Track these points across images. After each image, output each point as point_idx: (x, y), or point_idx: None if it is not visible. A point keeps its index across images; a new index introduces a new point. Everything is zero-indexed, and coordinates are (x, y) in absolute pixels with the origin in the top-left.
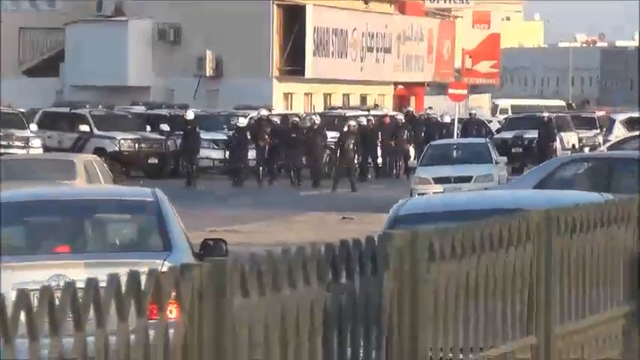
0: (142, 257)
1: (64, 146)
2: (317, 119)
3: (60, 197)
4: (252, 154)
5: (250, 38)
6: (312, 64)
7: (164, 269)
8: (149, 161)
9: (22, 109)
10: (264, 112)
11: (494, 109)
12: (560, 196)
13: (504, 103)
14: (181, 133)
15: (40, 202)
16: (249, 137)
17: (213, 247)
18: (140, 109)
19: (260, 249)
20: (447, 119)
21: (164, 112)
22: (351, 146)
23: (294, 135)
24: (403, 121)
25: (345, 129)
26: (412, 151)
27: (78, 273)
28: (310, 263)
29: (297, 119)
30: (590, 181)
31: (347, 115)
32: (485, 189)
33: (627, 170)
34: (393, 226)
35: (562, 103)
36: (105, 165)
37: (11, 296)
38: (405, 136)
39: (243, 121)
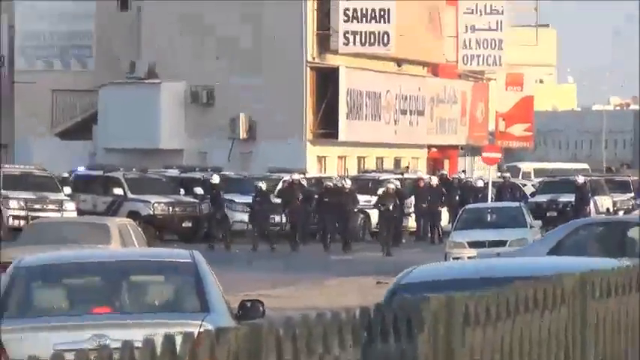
0: (180, 318)
1: (98, 210)
2: (348, 183)
3: (99, 259)
4: (278, 217)
5: (284, 101)
6: (346, 127)
7: (202, 330)
8: (183, 225)
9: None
10: (295, 176)
11: (516, 173)
12: (574, 262)
13: (527, 166)
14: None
15: (79, 264)
16: (272, 200)
17: (251, 309)
18: (173, 172)
19: (294, 313)
20: (481, 183)
21: (197, 175)
22: (391, 209)
23: (327, 199)
24: (437, 184)
25: (382, 191)
26: (446, 215)
27: (117, 333)
28: (345, 327)
29: (330, 183)
30: (603, 245)
31: (380, 178)
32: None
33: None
34: (393, 295)
35: (586, 166)
36: (139, 228)
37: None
38: (441, 200)
39: (262, 185)
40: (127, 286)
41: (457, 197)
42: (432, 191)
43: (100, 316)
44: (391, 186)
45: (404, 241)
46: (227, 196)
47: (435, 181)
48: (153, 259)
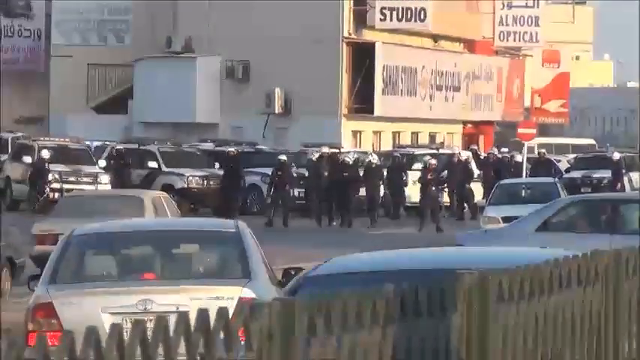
0: (222, 284)
1: (133, 182)
2: (374, 158)
3: (148, 228)
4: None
5: (320, 76)
6: (381, 103)
7: (242, 295)
8: (217, 198)
9: (95, 142)
10: (324, 150)
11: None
12: (503, 253)
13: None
14: (248, 170)
15: (129, 234)
16: (294, 175)
17: (295, 276)
18: (208, 146)
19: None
20: (519, 158)
21: (232, 149)
22: (432, 185)
23: (347, 174)
24: (465, 159)
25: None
26: (480, 190)
27: (162, 298)
28: (379, 303)
29: (349, 158)
30: (591, 221)
31: (415, 153)
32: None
33: (629, 211)
34: (298, 288)
35: (592, 141)
36: (173, 202)
37: (102, 319)
38: (469, 175)
39: (283, 157)
40: (173, 254)
41: (492, 173)
42: (461, 167)
43: (146, 281)
44: (433, 162)
45: (444, 215)
46: (261, 170)
47: (464, 156)
48: (199, 229)
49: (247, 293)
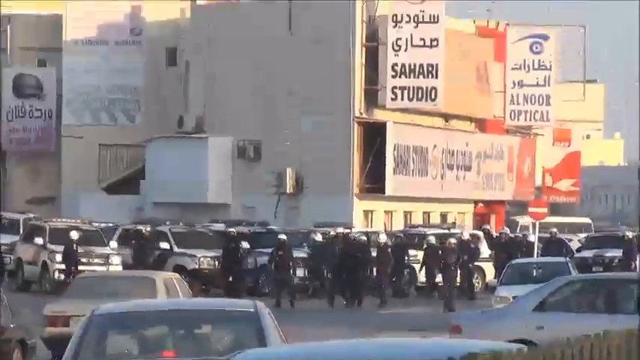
0: None
1: (146, 264)
2: (383, 238)
3: (167, 308)
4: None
5: (331, 155)
6: (393, 182)
7: None
8: (229, 279)
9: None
10: (340, 230)
11: (514, 227)
12: (429, 346)
13: (525, 220)
14: (258, 250)
15: (148, 313)
16: (293, 256)
17: None
18: (220, 226)
19: None
20: (532, 238)
21: (244, 229)
22: (453, 264)
23: (359, 255)
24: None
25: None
26: (492, 270)
27: None
28: None
29: (364, 238)
30: (590, 301)
31: (427, 233)
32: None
33: (628, 291)
34: None
35: (589, 220)
36: (184, 283)
37: None
38: (487, 255)
39: (283, 237)
40: (191, 333)
41: (503, 252)
42: (464, 246)
43: (165, 359)
44: (452, 240)
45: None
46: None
47: (466, 236)
48: (217, 308)
49: None
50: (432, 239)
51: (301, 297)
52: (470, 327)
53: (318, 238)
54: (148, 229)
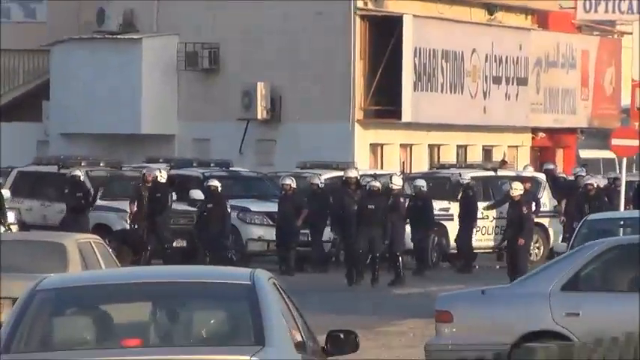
0: (224, 353)
1: (50, 222)
2: (398, 182)
3: (136, 280)
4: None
5: (322, 65)
6: (412, 103)
7: None
8: (173, 244)
9: None
10: (351, 174)
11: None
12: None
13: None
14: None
15: (109, 287)
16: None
17: (345, 341)
18: (160, 167)
19: None
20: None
21: (195, 172)
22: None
23: (373, 206)
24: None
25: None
26: (558, 227)
27: None
28: None
29: (375, 184)
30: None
31: (463, 176)
32: None
33: None
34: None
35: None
36: (109, 249)
37: None
38: (552, 209)
39: (289, 182)
40: (165, 313)
41: (576, 204)
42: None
43: (127, 350)
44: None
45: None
46: (238, 203)
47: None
48: (201, 280)
49: None
50: (472, 184)
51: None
52: (464, 313)
53: (317, 182)
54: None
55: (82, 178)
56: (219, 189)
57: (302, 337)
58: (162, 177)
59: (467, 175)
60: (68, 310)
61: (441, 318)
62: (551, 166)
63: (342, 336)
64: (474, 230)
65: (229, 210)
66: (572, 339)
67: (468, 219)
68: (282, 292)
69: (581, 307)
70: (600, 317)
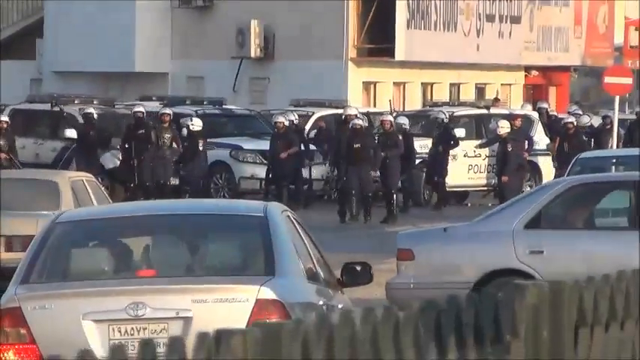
0: (234, 282)
1: (43, 160)
2: (388, 118)
3: (151, 212)
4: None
5: (315, 3)
6: (406, 41)
7: (260, 296)
8: (170, 182)
9: None
10: (350, 112)
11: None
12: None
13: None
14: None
15: (125, 220)
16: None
17: (360, 273)
18: (153, 105)
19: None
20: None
21: (189, 110)
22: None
23: (359, 145)
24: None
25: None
26: (550, 167)
27: (158, 300)
28: (404, 330)
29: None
30: (605, 212)
31: (455, 114)
32: None
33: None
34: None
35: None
36: (102, 187)
37: (83, 328)
38: (544, 147)
39: (281, 119)
40: (179, 244)
41: (565, 142)
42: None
43: (142, 279)
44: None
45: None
46: (231, 141)
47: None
48: (214, 212)
49: (267, 294)
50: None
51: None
52: (426, 251)
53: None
54: (49, 108)
55: (95, 115)
56: (192, 128)
57: (315, 268)
58: (143, 113)
59: (444, 112)
60: (86, 242)
61: (402, 256)
62: (544, 105)
63: (357, 268)
64: (467, 169)
65: (201, 148)
66: (536, 277)
67: (444, 157)
68: (296, 225)
69: (544, 245)
70: (564, 255)
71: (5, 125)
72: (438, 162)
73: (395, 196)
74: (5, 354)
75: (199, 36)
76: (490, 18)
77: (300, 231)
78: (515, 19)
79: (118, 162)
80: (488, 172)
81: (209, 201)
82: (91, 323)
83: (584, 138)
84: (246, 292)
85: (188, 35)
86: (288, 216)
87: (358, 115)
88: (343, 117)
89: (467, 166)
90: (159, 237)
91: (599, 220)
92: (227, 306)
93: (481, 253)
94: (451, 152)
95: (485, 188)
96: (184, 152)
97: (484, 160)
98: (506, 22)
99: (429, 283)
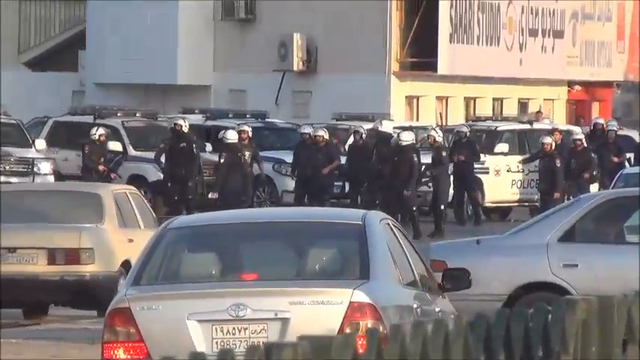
0: (330, 285)
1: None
2: (407, 137)
3: (257, 220)
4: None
5: (358, 16)
6: (448, 55)
7: (354, 299)
8: (209, 195)
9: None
10: (382, 126)
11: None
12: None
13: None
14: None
15: (234, 226)
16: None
17: (460, 279)
18: (196, 118)
19: None
20: None
21: (230, 123)
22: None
23: (398, 158)
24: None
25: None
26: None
27: (257, 302)
28: (455, 344)
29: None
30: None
31: (499, 128)
32: None
33: None
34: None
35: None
36: (144, 200)
37: (188, 327)
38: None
39: (306, 129)
40: (281, 250)
41: (611, 157)
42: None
43: (243, 283)
44: (548, 140)
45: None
46: (274, 155)
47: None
48: (315, 220)
49: (360, 297)
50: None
51: None
52: (459, 263)
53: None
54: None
55: (184, 128)
56: (184, 128)
57: (414, 274)
58: (185, 126)
59: (466, 126)
60: (193, 247)
61: (436, 267)
62: (600, 121)
63: (457, 274)
64: (510, 184)
65: (196, 151)
66: (570, 291)
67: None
68: (396, 232)
69: (579, 258)
70: (598, 269)
71: (103, 138)
72: (466, 177)
73: (444, 212)
74: (115, 351)
75: (242, 49)
76: (533, 32)
77: (399, 239)
78: (558, 34)
79: (162, 174)
80: (531, 188)
81: (311, 209)
82: (195, 323)
83: (593, 155)
84: (340, 295)
85: (231, 48)
86: (388, 224)
87: (362, 132)
88: (377, 129)
89: (510, 182)
90: (262, 242)
91: (633, 234)
92: (322, 308)
93: (515, 266)
94: (494, 167)
95: (528, 204)
96: (219, 166)
97: (527, 175)
98: (549, 36)
99: (461, 295)
